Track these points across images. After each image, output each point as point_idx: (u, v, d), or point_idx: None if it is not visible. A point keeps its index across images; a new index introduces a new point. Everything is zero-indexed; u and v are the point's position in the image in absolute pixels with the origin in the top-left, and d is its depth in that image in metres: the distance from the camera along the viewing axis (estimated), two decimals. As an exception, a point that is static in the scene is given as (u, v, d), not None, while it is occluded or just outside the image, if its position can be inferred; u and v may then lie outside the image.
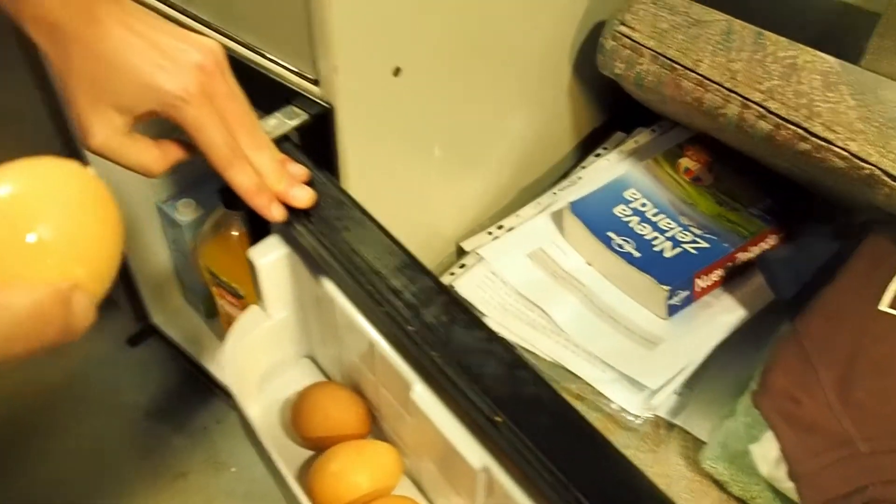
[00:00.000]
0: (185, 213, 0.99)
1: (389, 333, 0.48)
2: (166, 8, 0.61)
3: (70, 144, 0.91)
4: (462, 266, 0.74)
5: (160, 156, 0.49)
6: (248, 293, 0.92)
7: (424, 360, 0.45)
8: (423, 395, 0.47)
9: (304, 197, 0.50)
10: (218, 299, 0.98)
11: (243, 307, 0.94)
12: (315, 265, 0.53)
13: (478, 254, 0.75)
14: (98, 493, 1.05)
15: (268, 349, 0.62)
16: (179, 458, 1.07)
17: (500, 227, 0.78)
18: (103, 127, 0.45)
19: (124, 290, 1.11)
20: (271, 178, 0.49)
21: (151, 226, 1.03)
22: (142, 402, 1.13)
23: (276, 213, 0.50)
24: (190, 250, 1.02)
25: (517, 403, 0.42)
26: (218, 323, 1.13)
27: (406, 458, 0.57)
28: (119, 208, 0.40)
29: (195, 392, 1.13)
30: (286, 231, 0.53)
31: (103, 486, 1.05)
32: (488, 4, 0.62)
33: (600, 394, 0.66)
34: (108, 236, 0.40)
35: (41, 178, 0.39)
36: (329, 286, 0.52)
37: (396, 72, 0.56)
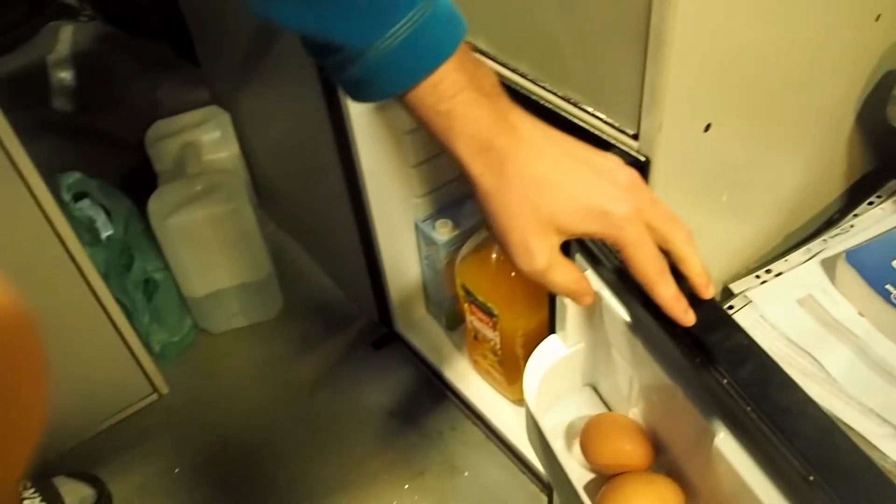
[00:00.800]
0: (442, 232, 1.07)
1: (700, 383, 0.51)
2: (488, 60, 0.67)
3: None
4: (730, 308, 0.76)
5: (583, 277, 0.49)
6: (500, 312, 0.98)
7: (738, 413, 0.47)
8: (728, 443, 0.49)
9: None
10: (468, 315, 1.05)
11: (494, 325, 1.00)
12: (625, 299, 0.56)
13: (746, 296, 0.76)
14: (343, 483, 1.14)
15: (561, 376, 0.66)
16: (418, 457, 1.15)
17: (768, 272, 0.79)
18: (546, 249, 0.45)
19: (374, 297, 1.21)
20: (701, 273, 0.49)
21: (408, 241, 1.12)
22: (384, 402, 1.22)
23: (691, 319, 0.48)
24: (443, 267, 1.10)
25: (832, 468, 0.42)
26: (457, 334, 1.21)
27: (688, 493, 0.59)
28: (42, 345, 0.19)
29: (432, 397, 1.21)
30: (596, 271, 0.57)
31: (348, 476, 1.15)
32: (791, 63, 0.63)
33: (875, 448, 0.66)
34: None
35: None
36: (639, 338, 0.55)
37: (707, 127, 0.59)
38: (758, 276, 0.79)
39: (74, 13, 1.39)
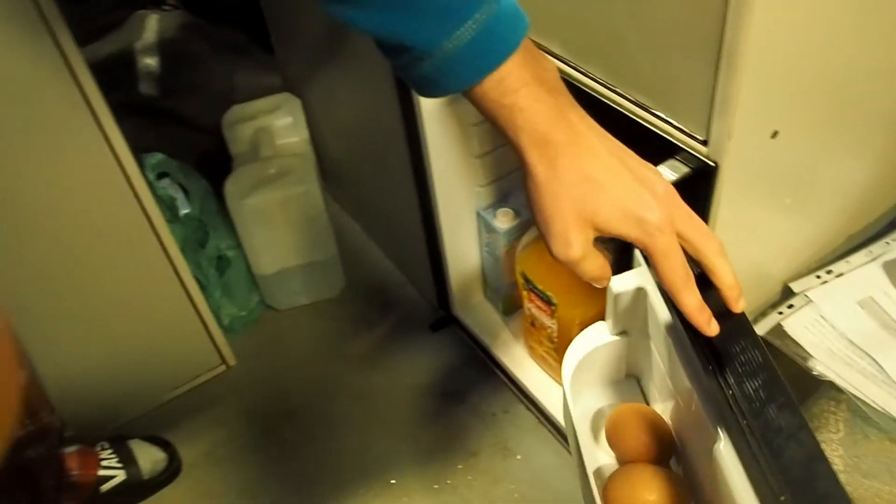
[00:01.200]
0: (503, 220, 1.10)
1: (709, 390, 0.51)
2: (561, 64, 0.70)
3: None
4: (790, 306, 0.78)
5: (606, 266, 0.51)
6: (560, 302, 1.00)
7: (732, 424, 0.48)
8: (726, 451, 0.50)
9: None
10: (526, 302, 1.08)
11: (552, 313, 1.03)
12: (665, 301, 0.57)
13: (806, 296, 0.78)
14: (396, 460, 1.18)
15: (604, 362, 0.68)
16: (471, 438, 1.19)
17: (829, 272, 0.80)
18: (581, 241, 0.48)
19: (433, 281, 1.25)
20: (732, 286, 0.50)
21: (470, 229, 1.15)
22: (439, 382, 1.26)
23: (714, 329, 0.50)
24: (503, 254, 1.13)
25: (806, 493, 0.43)
26: (513, 320, 1.24)
27: (698, 494, 0.61)
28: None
29: (486, 380, 1.24)
30: (648, 268, 0.59)
31: (401, 453, 1.19)
32: (859, 72, 0.65)
33: (930, 450, 0.68)
34: None
35: None
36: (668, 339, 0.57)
37: (774, 134, 0.61)
38: (818, 277, 0.80)
39: (159, 2, 1.46)
